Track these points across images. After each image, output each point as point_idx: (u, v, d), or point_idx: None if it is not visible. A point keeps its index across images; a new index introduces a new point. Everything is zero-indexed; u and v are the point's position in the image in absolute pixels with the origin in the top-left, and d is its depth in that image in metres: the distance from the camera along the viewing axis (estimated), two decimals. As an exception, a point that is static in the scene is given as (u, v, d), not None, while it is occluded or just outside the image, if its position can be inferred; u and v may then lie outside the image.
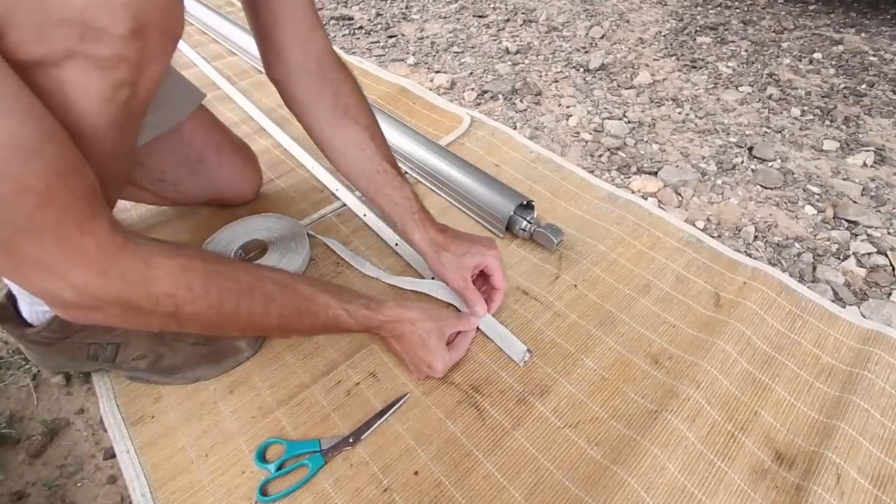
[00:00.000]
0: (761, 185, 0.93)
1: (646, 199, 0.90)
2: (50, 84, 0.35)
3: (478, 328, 0.66)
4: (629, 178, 0.96)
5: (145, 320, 0.41)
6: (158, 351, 0.60)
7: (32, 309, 0.56)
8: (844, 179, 0.94)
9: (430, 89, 1.23)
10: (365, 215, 0.85)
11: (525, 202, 0.79)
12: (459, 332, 0.64)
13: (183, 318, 0.42)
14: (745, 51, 1.40)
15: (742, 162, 0.99)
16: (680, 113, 1.15)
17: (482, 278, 0.68)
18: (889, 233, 0.83)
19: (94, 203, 0.37)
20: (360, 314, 0.55)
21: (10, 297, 0.56)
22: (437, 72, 1.33)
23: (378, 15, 1.67)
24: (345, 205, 0.88)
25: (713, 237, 0.81)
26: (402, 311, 0.58)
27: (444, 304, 0.70)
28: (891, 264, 0.77)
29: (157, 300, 0.40)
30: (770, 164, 0.98)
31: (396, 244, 0.79)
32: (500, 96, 1.21)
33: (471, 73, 1.32)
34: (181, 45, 1.39)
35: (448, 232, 0.65)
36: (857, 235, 0.83)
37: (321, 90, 0.62)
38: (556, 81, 1.28)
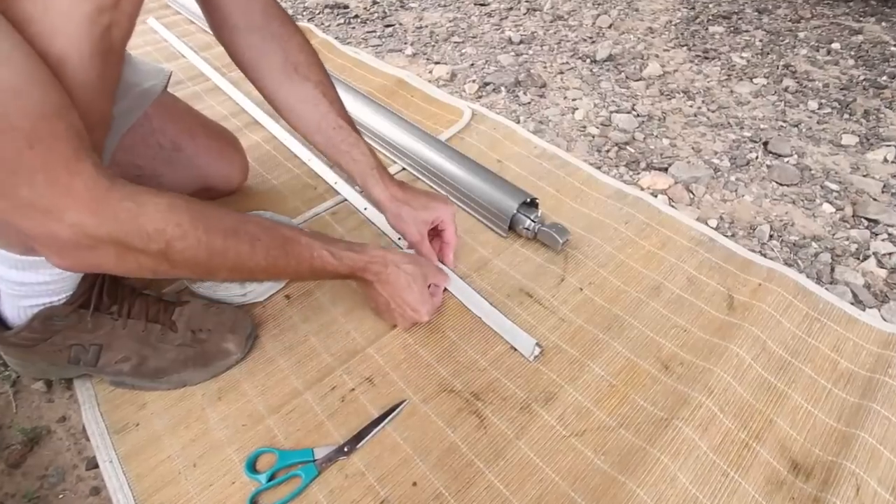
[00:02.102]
0: (777, 182, 0.93)
1: (655, 196, 0.90)
2: (35, 8, 0.37)
3: (483, 321, 0.68)
4: (638, 174, 0.96)
5: (139, 262, 0.44)
6: (143, 353, 0.60)
7: (14, 304, 0.56)
8: (864, 176, 0.94)
9: (429, 81, 1.23)
10: (366, 209, 0.85)
11: (529, 200, 0.79)
12: (431, 285, 0.68)
13: (174, 257, 0.45)
14: (760, 41, 1.40)
15: (757, 157, 0.99)
16: (691, 106, 1.15)
17: (435, 237, 0.74)
18: (911, 232, 0.83)
19: (79, 145, 0.40)
20: (345, 255, 0.59)
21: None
22: (437, 63, 1.33)
23: (374, 3, 1.67)
24: (345, 200, 0.88)
25: (726, 236, 0.81)
26: (386, 254, 0.63)
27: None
28: (913, 265, 0.77)
29: (148, 237, 0.43)
30: (786, 159, 0.98)
31: (399, 238, 0.80)
32: (502, 88, 1.21)
33: (472, 65, 1.32)
34: (168, 35, 1.40)
35: (406, 187, 0.70)
36: (877, 234, 0.83)
37: (268, 46, 0.64)
38: (562, 73, 1.28)
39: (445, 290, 0.72)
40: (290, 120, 0.68)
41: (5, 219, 0.40)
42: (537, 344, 0.65)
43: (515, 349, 0.65)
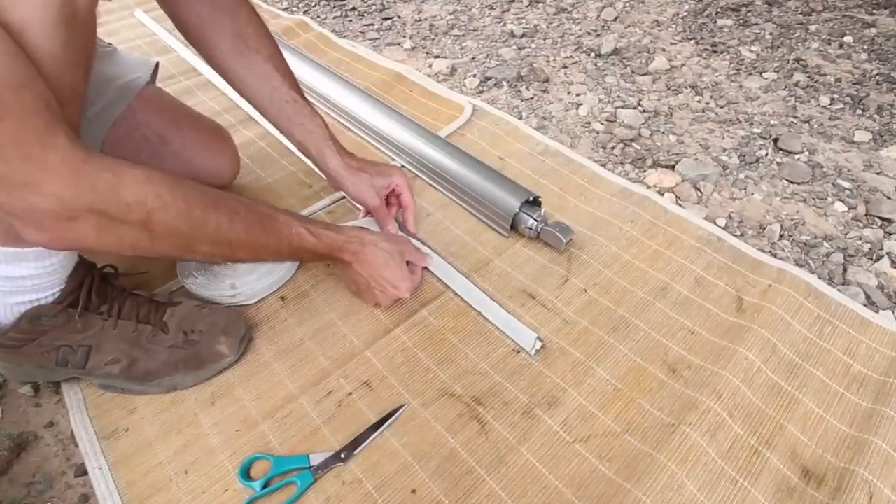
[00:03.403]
0: (787, 180, 0.93)
1: (662, 194, 0.90)
2: None
3: (482, 315, 0.69)
4: (644, 171, 0.96)
5: (119, 234, 0.45)
6: (133, 354, 0.60)
7: (1, 301, 0.56)
8: (878, 173, 0.94)
9: (429, 76, 1.23)
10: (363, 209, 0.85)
11: (531, 198, 0.79)
12: (409, 263, 0.70)
13: (155, 228, 0.46)
14: (770, 34, 1.40)
15: (766, 154, 0.99)
16: (699, 101, 1.15)
17: (393, 202, 0.80)
18: (926, 231, 0.83)
19: (50, 118, 0.40)
20: (323, 233, 0.61)
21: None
22: (437, 57, 1.33)
23: (372, -5, 1.68)
24: (343, 197, 0.88)
25: (735, 236, 0.81)
26: (363, 234, 0.66)
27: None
28: (928, 265, 0.77)
29: (128, 207, 0.44)
30: (797, 156, 0.98)
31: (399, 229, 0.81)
32: (504, 83, 1.21)
33: (473, 59, 1.32)
34: (157, 28, 1.40)
35: (358, 157, 0.76)
36: (891, 234, 0.83)
37: (217, 18, 0.66)
38: (566, 67, 1.28)
39: (448, 287, 0.72)
40: (243, 93, 0.71)
41: None
42: (538, 338, 0.65)
43: (518, 351, 0.65)
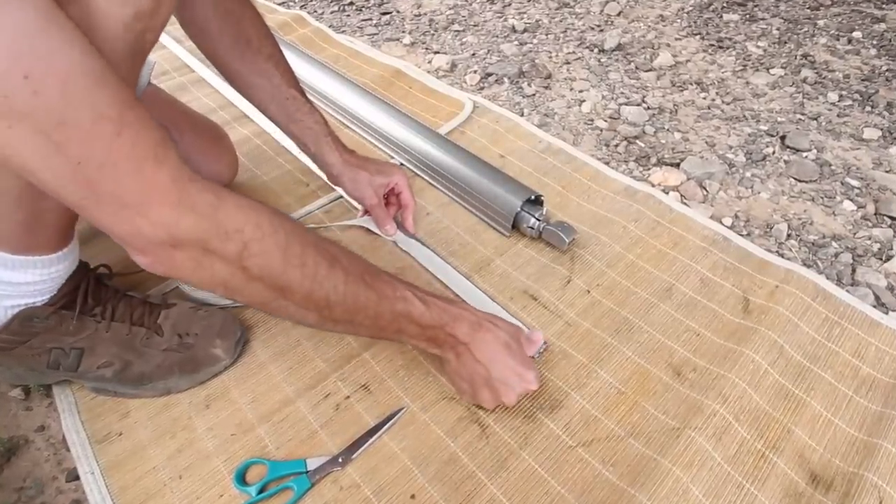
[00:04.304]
0: (795, 178, 0.93)
1: (667, 193, 0.90)
2: (76, 9, 0.38)
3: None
4: (648, 170, 0.96)
5: (213, 270, 0.44)
6: (126, 357, 0.60)
7: None
8: (887, 171, 0.94)
9: (429, 72, 1.24)
10: (361, 208, 0.85)
11: (533, 197, 0.79)
12: None
13: (249, 262, 0.44)
14: (777, 29, 1.40)
15: (773, 152, 0.99)
16: (705, 98, 1.15)
17: (392, 201, 0.80)
18: (936, 231, 0.83)
19: (163, 132, 0.41)
20: (432, 301, 0.54)
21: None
22: (436, 52, 1.33)
23: (370, -11, 1.67)
24: (339, 197, 0.88)
25: (742, 236, 0.81)
26: (474, 310, 0.57)
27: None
28: (938, 266, 0.77)
29: (226, 235, 0.43)
30: (804, 154, 0.98)
31: (395, 241, 0.80)
32: (505, 80, 1.21)
33: (473, 54, 1.32)
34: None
35: (357, 154, 0.77)
36: (900, 234, 0.83)
37: (222, 20, 0.67)
38: (568, 63, 1.28)
39: (448, 288, 0.72)
40: (244, 91, 0.72)
41: (89, 216, 0.40)
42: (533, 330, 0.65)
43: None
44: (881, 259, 0.79)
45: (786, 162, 0.97)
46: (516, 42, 1.36)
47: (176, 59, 1.26)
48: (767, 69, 1.23)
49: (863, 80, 1.19)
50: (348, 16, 1.53)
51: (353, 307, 0.49)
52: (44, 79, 0.33)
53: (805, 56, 1.28)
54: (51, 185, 0.38)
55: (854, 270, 0.77)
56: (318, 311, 0.49)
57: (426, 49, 1.36)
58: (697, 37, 1.38)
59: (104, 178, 0.37)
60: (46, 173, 0.37)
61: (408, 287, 0.53)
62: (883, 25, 1.39)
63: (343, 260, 0.49)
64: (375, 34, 1.43)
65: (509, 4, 1.56)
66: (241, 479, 0.55)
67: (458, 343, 0.55)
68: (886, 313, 0.70)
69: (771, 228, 0.84)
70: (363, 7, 1.57)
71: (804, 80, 1.19)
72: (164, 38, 1.34)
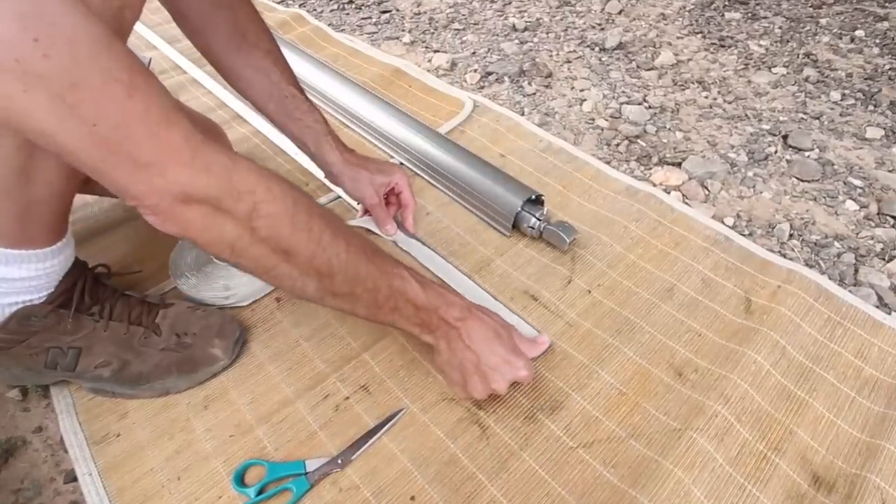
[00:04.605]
0: (797, 178, 0.93)
1: (668, 192, 0.90)
2: None
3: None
4: (650, 169, 0.96)
5: (223, 229, 0.44)
6: (124, 357, 0.60)
7: None
8: (890, 171, 0.94)
9: (428, 71, 1.23)
10: (359, 207, 0.85)
11: (534, 197, 0.79)
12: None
13: (258, 223, 0.45)
14: (779, 28, 1.40)
15: (776, 152, 0.99)
16: (706, 97, 1.15)
17: (392, 201, 0.80)
18: (939, 231, 0.83)
19: (172, 99, 0.41)
20: (429, 283, 0.56)
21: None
22: (436, 51, 1.33)
23: (370, -12, 1.67)
24: (338, 197, 0.88)
25: (743, 235, 0.81)
26: (465, 300, 0.58)
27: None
28: (941, 266, 0.77)
29: (238, 195, 0.44)
30: (807, 153, 0.98)
31: (395, 241, 0.80)
32: (505, 78, 1.21)
33: (473, 53, 1.32)
34: (137, 25, 1.39)
35: (357, 154, 0.77)
36: (903, 234, 0.83)
37: (217, 13, 0.66)
38: (569, 62, 1.28)
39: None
40: (240, 88, 0.71)
41: (105, 178, 0.41)
42: (540, 334, 0.65)
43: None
44: (884, 259, 0.79)
45: (788, 161, 0.97)
46: (517, 41, 1.36)
47: (166, 60, 1.26)
48: (769, 68, 1.23)
49: (865, 78, 1.19)
50: (348, 14, 1.53)
51: (353, 277, 0.51)
52: (52, 41, 0.34)
53: (807, 55, 1.28)
54: (68, 147, 0.38)
55: (857, 271, 0.77)
56: (318, 278, 0.49)
57: (426, 48, 1.36)
58: (699, 35, 1.37)
59: (120, 139, 0.38)
60: (63, 136, 0.37)
61: (405, 267, 0.55)
62: (886, 24, 1.39)
63: (346, 232, 0.51)
64: (375, 33, 1.43)
65: (510, 3, 1.56)
66: (240, 480, 0.55)
67: (449, 328, 0.56)
68: (889, 314, 0.70)
69: (773, 228, 0.84)
70: (363, 5, 1.57)
71: (806, 79, 1.19)
72: (153, 39, 1.34)
